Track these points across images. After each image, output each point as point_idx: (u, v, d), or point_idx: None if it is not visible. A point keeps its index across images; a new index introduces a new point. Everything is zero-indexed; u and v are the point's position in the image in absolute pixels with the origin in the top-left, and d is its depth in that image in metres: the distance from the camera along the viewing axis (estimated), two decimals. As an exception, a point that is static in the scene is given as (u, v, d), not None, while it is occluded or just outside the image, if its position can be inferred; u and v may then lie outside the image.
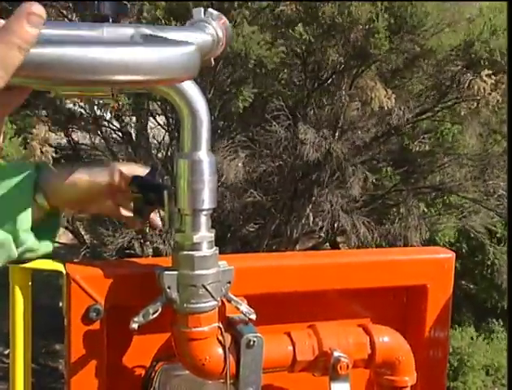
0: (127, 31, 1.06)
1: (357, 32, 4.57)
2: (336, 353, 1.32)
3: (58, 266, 1.26)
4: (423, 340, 1.55)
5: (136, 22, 4.35)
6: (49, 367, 5.90)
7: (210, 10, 1.20)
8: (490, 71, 4.49)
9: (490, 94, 4.45)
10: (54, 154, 4.77)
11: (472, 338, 5.69)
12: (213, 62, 1.24)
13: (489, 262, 5.54)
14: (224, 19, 1.23)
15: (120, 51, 0.92)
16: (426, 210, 5.38)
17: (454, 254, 1.56)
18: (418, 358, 1.45)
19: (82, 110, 5.60)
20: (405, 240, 5.02)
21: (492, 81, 4.48)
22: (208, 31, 1.18)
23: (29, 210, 1.15)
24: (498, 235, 5.56)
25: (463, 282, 5.51)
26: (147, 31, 1.07)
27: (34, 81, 0.92)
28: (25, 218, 1.14)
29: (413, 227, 5.00)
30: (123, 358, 1.35)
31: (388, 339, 1.40)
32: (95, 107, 5.42)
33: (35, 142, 4.61)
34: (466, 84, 4.63)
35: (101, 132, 5.78)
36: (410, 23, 4.57)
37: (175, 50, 0.96)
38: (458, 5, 4.97)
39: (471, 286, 5.75)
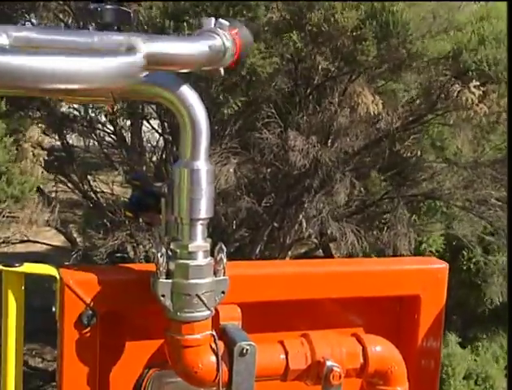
0: (117, 39, 1.05)
1: (344, 39, 4.58)
2: (328, 363, 1.31)
3: (51, 270, 1.24)
4: (416, 349, 1.54)
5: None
6: (39, 370, 5.84)
7: (221, 20, 1.20)
8: (478, 83, 4.53)
9: (478, 105, 4.50)
10: (46, 157, 4.73)
11: (466, 346, 5.69)
12: (222, 72, 1.22)
13: (476, 270, 5.56)
14: (238, 29, 1.22)
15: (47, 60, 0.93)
16: (415, 217, 5.39)
17: (448, 265, 1.56)
18: (411, 368, 1.44)
19: (76, 113, 5.57)
20: (395, 247, 5.03)
21: (480, 92, 4.52)
22: (212, 41, 1.17)
23: None
24: (487, 243, 5.57)
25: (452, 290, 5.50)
26: (137, 40, 1.06)
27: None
28: None
29: (402, 235, 5.02)
30: (115, 364, 1.33)
31: (380, 348, 1.39)
32: (89, 110, 5.40)
33: (27, 144, 4.58)
34: (455, 95, 4.65)
35: (96, 135, 5.75)
36: (397, 29, 4.57)
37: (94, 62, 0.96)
38: (451, 10, 4.98)
39: (458, 294, 5.74)
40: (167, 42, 1.13)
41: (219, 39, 1.17)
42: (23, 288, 1.24)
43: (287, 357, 1.31)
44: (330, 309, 1.51)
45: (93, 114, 5.46)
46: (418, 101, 5.32)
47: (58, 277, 1.23)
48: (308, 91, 5.13)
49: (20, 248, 5.59)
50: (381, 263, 1.76)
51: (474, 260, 5.50)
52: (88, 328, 1.23)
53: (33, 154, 4.57)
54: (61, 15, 5.22)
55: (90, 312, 1.22)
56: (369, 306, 1.53)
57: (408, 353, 1.47)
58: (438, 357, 1.59)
